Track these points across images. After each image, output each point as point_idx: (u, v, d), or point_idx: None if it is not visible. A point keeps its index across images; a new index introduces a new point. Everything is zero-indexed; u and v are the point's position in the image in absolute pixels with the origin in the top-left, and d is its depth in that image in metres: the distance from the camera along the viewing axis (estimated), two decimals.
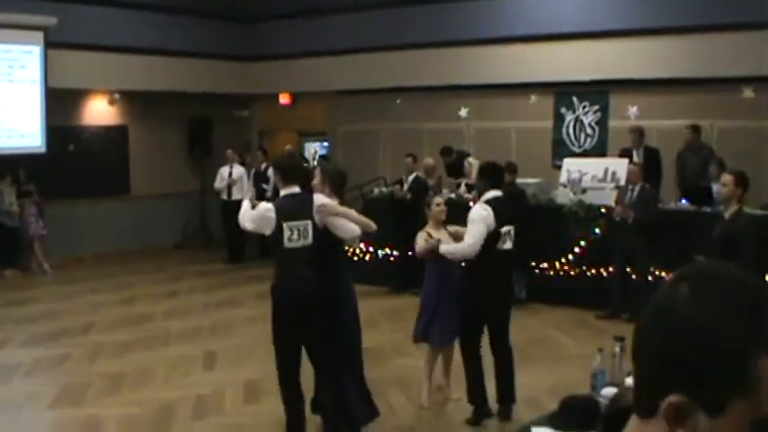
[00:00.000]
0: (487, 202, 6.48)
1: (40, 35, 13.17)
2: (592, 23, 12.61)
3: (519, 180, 11.15)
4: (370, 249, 12.34)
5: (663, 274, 10.11)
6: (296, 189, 5.80)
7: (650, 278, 10.08)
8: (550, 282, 10.91)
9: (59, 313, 10.71)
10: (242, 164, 15.11)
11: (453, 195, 11.93)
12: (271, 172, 14.30)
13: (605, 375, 4.66)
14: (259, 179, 14.46)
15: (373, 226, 6.11)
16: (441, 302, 6.77)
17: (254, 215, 5.78)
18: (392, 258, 12.09)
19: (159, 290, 12.33)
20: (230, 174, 14.57)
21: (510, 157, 12.22)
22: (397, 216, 11.55)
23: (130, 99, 15.52)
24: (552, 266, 10.94)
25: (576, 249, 10.76)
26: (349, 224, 5.95)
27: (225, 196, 14.64)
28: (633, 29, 12.27)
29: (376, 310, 10.82)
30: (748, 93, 11.93)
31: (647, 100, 12.71)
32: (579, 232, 10.66)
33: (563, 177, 11.23)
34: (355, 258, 12.38)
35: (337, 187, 6.22)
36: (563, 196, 11.03)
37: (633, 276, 10.06)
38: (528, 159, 12.91)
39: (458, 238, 6.70)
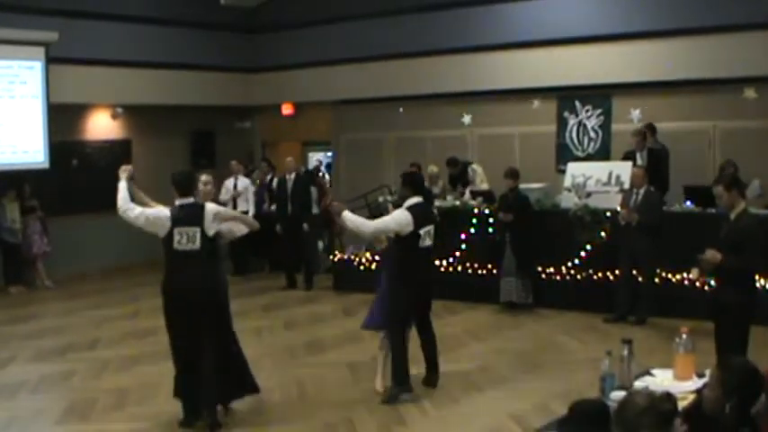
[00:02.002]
0: (409, 208, 7.20)
1: (41, 50, 13.16)
2: (593, 28, 12.60)
3: (523, 185, 11.12)
4: (377, 258, 12.30)
5: (669, 276, 10.07)
6: (189, 200, 6.68)
7: (656, 281, 10.05)
8: (557, 286, 10.87)
9: (65, 329, 10.68)
10: (247, 175, 15.06)
11: (458, 202, 11.96)
12: (275, 183, 14.29)
13: (614, 379, 4.63)
14: (264, 190, 14.44)
15: (256, 225, 7.26)
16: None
17: (151, 217, 6.70)
18: None
19: None
20: (235, 185, 14.47)
21: (514, 163, 12.22)
22: None
23: (133, 113, 15.53)
24: (558, 271, 10.90)
25: (582, 254, 10.72)
26: (240, 225, 7.18)
27: (230, 208, 14.55)
28: (634, 32, 12.26)
29: None
30: (751, 93, 11.92)
31: (649, 103, 12.68)
32: (585, 236, 10.62)
33: (567, 182, 11.19)
34: (361, 268, 12.38)
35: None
36: (568, 201, 10.99)
37: (639, 279, 10.02)
38: (532, 164, 12.90)
39: None
